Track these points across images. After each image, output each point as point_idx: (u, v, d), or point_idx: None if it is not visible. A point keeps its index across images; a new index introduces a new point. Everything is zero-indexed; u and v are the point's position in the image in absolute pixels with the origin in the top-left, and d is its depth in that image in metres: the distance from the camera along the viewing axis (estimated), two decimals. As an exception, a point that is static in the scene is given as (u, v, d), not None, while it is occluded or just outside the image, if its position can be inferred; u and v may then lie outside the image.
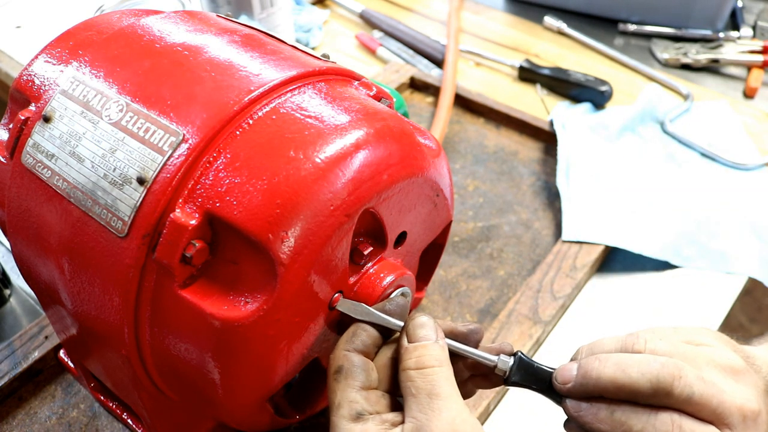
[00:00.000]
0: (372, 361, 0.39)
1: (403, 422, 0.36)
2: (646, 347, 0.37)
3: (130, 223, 0.36)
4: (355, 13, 1.07)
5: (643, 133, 0.83)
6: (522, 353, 0.40)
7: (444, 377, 0.36)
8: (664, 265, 0.67)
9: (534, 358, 0.52)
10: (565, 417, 0.39)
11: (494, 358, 0.40)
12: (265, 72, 0.40)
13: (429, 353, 0.37)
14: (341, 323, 0.42)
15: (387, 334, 0.41)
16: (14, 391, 0.55)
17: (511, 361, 0.40)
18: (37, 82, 0.44)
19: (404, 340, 0.38)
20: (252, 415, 0.42)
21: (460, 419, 0.34)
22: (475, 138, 0.83)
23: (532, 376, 0.40)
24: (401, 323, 0.40)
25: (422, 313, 0.40)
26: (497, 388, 0.54)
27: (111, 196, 0.37)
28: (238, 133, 0.37)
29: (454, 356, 0.39)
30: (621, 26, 1.04)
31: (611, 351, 0.38)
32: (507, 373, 0.40)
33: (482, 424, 0.54)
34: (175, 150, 0.36)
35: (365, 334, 0.39)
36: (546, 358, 0.59)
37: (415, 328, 0.38)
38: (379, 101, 0.44)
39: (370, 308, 0.40)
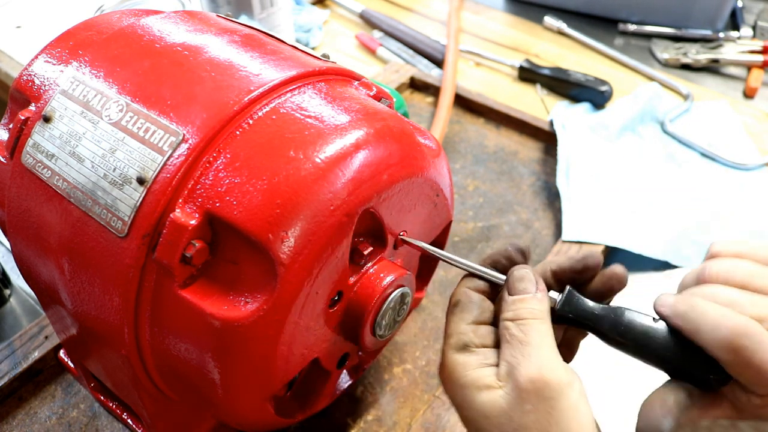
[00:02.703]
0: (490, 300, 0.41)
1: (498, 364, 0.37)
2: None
3: (130, 223, 0.36)
4: (355, 13, 1.07)
5: (643, 133, 0.83)
6: (571, 288, 0.40)
7: (536, 328, 0.37)
8: (664, 265, 0.67)
9: None
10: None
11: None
12: (265, 72, 0.40)
13: (526, 306, 0.38)
14: (341, 323, 0.42)
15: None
16: (14, 391, 0.56)
17: (558, 296, 0.39)
18: (37, 82, 0.44)
19: (505, 293, 0.40)
20: (252, 415, 0.42)
21: (548, 367, 0.35)
22: (475, 138, 0.83)
23: (586, 316, 0.39)
24: (503, 277, 0.41)
25: (524, 265, 0.41)
26: None
27: (111, 196, 0.37)
28: (238, 133, 0.37)
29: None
30: (621, 26, 1.04)
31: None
32: (555, 306, 0.39)
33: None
34: (175, 150, 0.36)
35: (482, 282, 0.42)
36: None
37: (515, 281, 0.40)
38: (379, 101, 0.44)
39: (473, 264, 0.42)
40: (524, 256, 0.42)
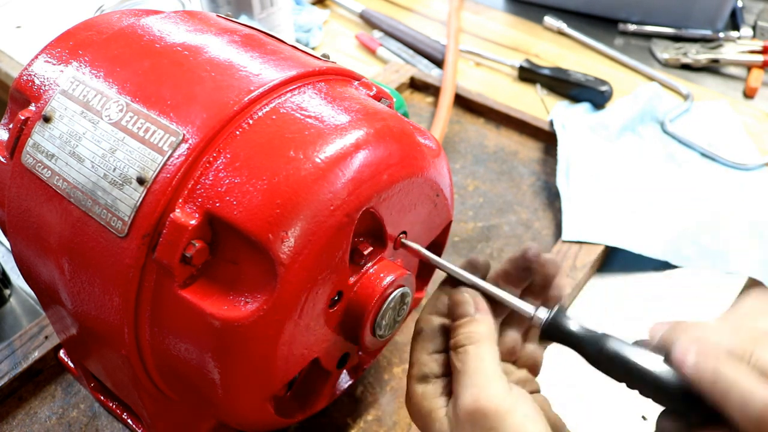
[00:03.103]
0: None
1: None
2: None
3: (130, 223, 0.36)
4: (355, 13, 1.07)
5: (643, 133, 0.83)
6: (562, 307, 0.38)
7: (473, 354, 0.36)
8: (664, 265, 0.67)
9: None
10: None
11: (531, 309, 0.38)
12: (265, 72, 0.40)
13: (463, 331, 0.38)
14: (341, 323, 0.42)
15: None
16: (14, 391, 0.56)
17: (546, 314, 0.38)
18: (37, 82, 0.44)
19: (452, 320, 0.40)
20: (252, 415, 0.42)
21: (484, 395, 0.34)
22: (475, 138, 0.83)
23: (571, 339, 0.37)
24: (482, 283, 0.40)
25: (462, 288, 0.40)
26: None
27: (111, 196, 0.37)
28: (238, 133, 0.37)
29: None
30: (621, 26, 1.04)
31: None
32: (542, 326, 0.38)
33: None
34: (175, 150, 0.36)
35: (446, 298, 0.41)
36: (546, 357, 0.59)
37: (454, 306, 0.39)
38: (379, 101, 0.44)
39: (467, 274, 0.41)
40: (478, 269, 0.41)
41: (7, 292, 0.67)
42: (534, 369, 0.43)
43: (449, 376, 0.38)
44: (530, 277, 0.41)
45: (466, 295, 0.39)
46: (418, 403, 0.38)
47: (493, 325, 0.38)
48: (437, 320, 0.41)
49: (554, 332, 0.38)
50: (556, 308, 0.38)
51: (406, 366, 0.58)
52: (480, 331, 0.37)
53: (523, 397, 0.35)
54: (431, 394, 0.38)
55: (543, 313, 0.38)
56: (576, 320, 0.37)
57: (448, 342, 0.39)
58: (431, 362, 0.39)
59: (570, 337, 0.37)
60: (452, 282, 0.43)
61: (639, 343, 0.35)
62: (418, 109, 0.88)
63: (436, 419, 0.37)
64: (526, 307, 0.39)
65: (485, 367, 0.36)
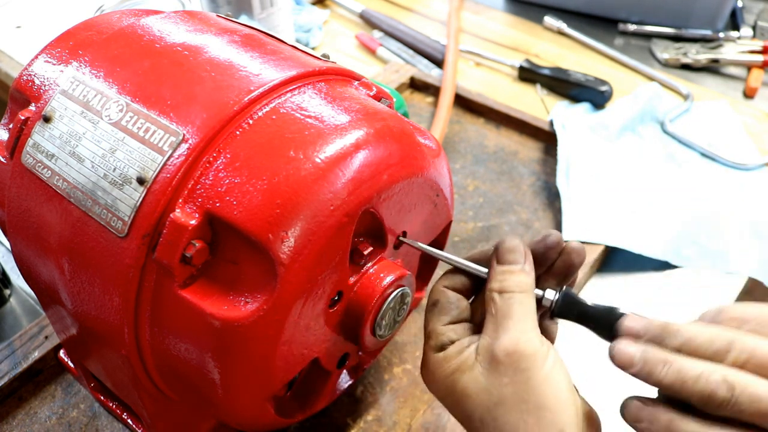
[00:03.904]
0: (467, 299, 0.42)
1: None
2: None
3: (130, 223, 0.36)
4: (355, 13, 1.07)
5: (643, 133, 0.83)
6: (569, 290, 0.40)
7: (519, 301, 0.38)
8: (664, 265, 0.67)
9: None
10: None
11: (539, 292, 0.40)
12: (265, 72, 0.40)
13: (513, 279, 0.39)
14: (341, 323, 0.42)
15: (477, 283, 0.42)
16: (14, 391, 0.56)
17: (555, 296, 0.40)
18: (37, 82, 0.44)
19: (494, 261, 0.40)
20: (252, 415, 0.42)
21: (524, 339, 0.36)
22: (475, 138, 0.83)
23: (582, 315, 0.40)
24: (485, 270, 0.41)
25: (514, 236, 0.41)
26: None
27: (111, 196, 0.37)
28: (238, 133, 0.37)
29: None
30: (621, 26, 1.04)
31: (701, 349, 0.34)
32: (552, 306, 0.40)
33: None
34: (175, 150, 0.36)
35: (460, 278, 0.42)
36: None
37: (505, 251, 0.40)
38: (379, 101, 0.44)
39: (454, 257, 0.43)
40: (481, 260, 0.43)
41: (7, 292, 0.67)
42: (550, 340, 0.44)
43: (468, 335, 0.40)
44: (550, 261, 0.42)
45: (520, 244, 0.40)
46: (441, 367, 0.39)
47: (533, 278, 0.40)
48: (451, 293, 0.42)
49: (566, 310, 0.40)
50: (564, 288, 0.40)
51: (407, 366, 0.58)
52: (528, 282, 0.39)
53: (553, 350, 0.37)
54: (454, 354, 0.39)
55: (551, 294, 0.40)
56: (583, 299, 0.40)
57: (464, 314, 0.41)
58: (449, 331, 0.40)
59: (582, 314, 0.39)
60: (459, 271, 0.43)
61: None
62: (418, 109, 0.88)
63: (465, 369, 0.38)
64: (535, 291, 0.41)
65: (530, 316, 0.38)
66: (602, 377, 0.59)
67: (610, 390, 0.55)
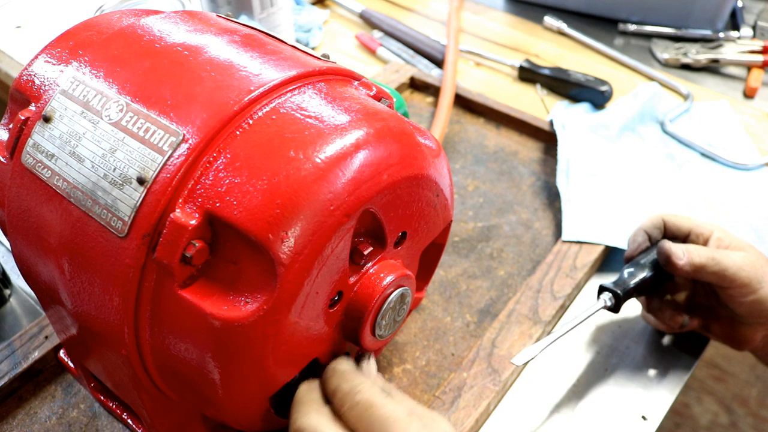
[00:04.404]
0: None
1: None
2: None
3: (130, 223, 0.36)
4: (355, 13, 1.07)
5: (643, 133, 0.83)
6: (605, 286, 0.55)
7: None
8: (664, 265, 0.67)
9: (535, 360, 0.53)
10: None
11: (597, 303, 0.54)
12: (265, 72, 0.40)
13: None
14: (341, 323, 0.42)
15: None
16: (14, 391, 0.56)
17: (608, 301, 0.54)
18: (37, 82, 0.44)
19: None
20: (252, 415, 0.42)
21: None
22: (475, 138, 0.83)
23: (633, 289, 0.55)
24: None
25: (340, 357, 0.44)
26: (497, 389, 0.54)
27: (111, 196, 0.37)
28: (238, 133, 0.37)
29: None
30: (621, 26, 1.04)
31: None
32: (612, 306, 0.54)
33: (482, 424, 0.54)
34: (175, 150, 0.36)
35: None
36: (546, 358, 0.59)
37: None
38: (379, 101, 0.44)
39: None
40: None
41: (7, 292, 0.67)
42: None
43: None
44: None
45: (308, 386, 0.43)
46: None
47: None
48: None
49: (624, 295, 0.54)
50: (610, 285, 0.55)
51: (407, 366, 0.58)
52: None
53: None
54: None
55: (606, 296, 0.55)
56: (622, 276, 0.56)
57: None
58: None
59: (635, 287, 0.55)
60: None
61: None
62: (418, 109, 0.88)
63: None
64: (594, 306, 0.54)
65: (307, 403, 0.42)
66: (596, 395, 0.59)
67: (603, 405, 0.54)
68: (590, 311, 0.53)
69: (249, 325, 0.36)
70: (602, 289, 0.55)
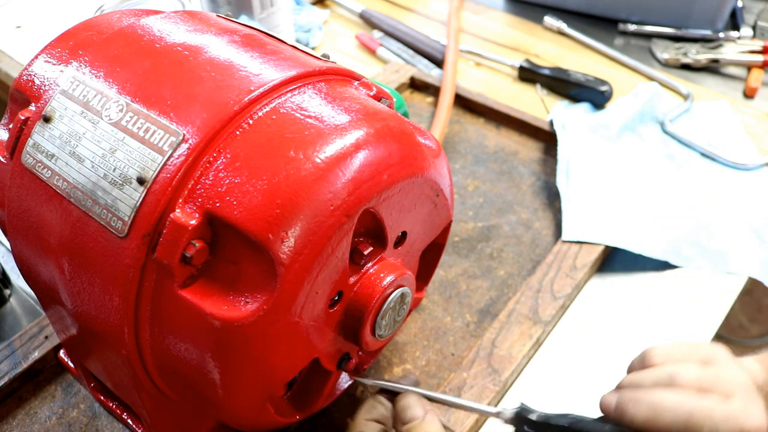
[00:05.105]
0: (388, 429, 0.44)
1: None
2: (678, 381, 0.38)
3: (130, 223, 0.36)
4: (355, 13, 1.07)
5: (643, 133, 0.83)
6: (523, 407, 0.42)
7: None
8: (664, 265, 0.67)
9: (534, 359, 0.52)
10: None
11: (493, 409, 0.43)
12: (265, 72, 0.40)
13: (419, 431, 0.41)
14: (341, 323, 0.42)
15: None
16: (14, 391, 0.56)
17: (510, 411, 0.42)
18: (37, 82, 0.44)
19: (399, 425, 0.43)
20: (252, 415, 0.42)
21: None
22: (475, 138, 0.83)
23: (541, 425, 0.41)
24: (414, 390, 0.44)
25: (407, 393, 0.44)
26: (497, 388, 0.54)
27: (111, 196, 0.37)
28: (238, 133, 0.37)
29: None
30: (621, 26, 1.04)
31: (648, 386, 0.39)
32: (511, 420, 0.42)
33: (482, 424, 0.54)
34: (175, 150, 0.36)
35: (382, 407, 0.45)
36: (546, 358, 0.59)
37: (401, 411, 0.43)
38: (379, 101, 0.44)
39: (386, 382, 0.46)
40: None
41: (7, 292, 0.67)
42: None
43: None
44: None
45: (413, 398, 0.43)
46: None
47: (440, 424, 0.42)
48: (373, 425, 0.43)
49: (523, 423, 0.42)
50: (519, 404, 0.42)
51: (407, 366, 0.58)
52: (434, 429, 0.41)
53: None
54: None
55: (508, 412, 0.42)
56: (538, 411, 0.42)
57: None
58: None
59: (539, 425, 0.41)
60: (388, 393, 0.46)
61: (602, 419, 0.40)
62: (418, 109, 0.88)
63: None
64: (488, 408, 0.43)
65: None
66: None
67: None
68: (485, 410, 0.44)
69: (249, 325, 0.36)
70: (521, 409, 0.43)
